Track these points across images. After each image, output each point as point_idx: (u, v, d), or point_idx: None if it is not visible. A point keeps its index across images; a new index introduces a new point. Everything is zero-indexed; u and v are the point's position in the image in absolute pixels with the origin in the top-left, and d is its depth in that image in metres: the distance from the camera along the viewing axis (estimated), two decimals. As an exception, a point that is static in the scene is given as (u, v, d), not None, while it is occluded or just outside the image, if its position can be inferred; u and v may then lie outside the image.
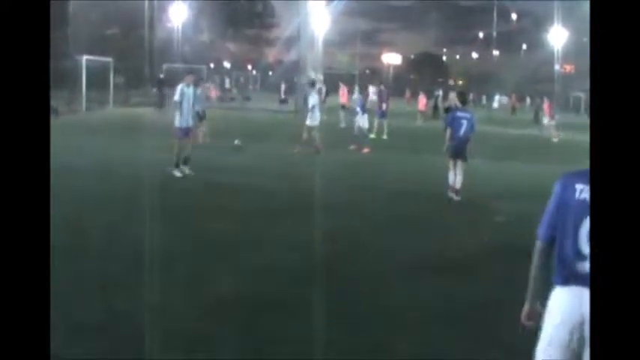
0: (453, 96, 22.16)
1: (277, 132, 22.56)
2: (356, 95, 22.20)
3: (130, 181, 11.28)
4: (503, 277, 6.31)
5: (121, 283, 5.77)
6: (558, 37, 56.74)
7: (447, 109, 23.31)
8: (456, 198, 10.88)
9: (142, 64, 48.79)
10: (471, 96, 50.93)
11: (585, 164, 2.61)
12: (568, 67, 76.98)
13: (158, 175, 11.51)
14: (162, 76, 38.47)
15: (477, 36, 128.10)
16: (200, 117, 15.71)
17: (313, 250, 7.10)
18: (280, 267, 6.60)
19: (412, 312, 5.49)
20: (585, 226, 2.80)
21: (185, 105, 12.34)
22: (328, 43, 50.07)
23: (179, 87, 12.54)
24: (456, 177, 10.97)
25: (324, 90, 29.23)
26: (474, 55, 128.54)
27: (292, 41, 48.78)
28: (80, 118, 27.37)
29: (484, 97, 70.29)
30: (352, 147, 18.18)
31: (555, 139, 25.47)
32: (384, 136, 22.34)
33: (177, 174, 12.06)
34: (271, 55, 79.36)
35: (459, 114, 11.43)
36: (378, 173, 14.44)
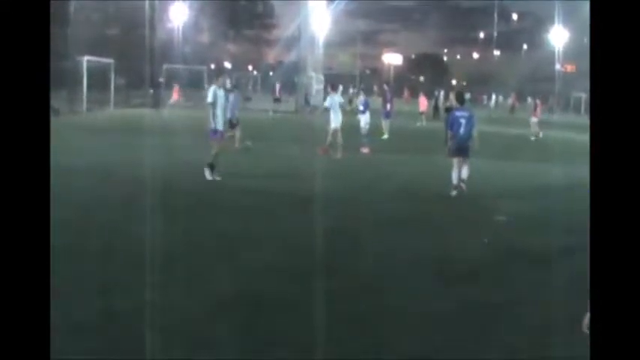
0: (453, 96, 22.12)
1: (276, 132, 22.49)
2: (362, 97, 22.58)
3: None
4: (503, 277, 6.31)
5: (123, 281, 5.79)
6: (559, 37, 56.77)
7: (448, 109, 23.32)
8: (463, 185, 11.23)
9: (143, 64, 48.78)
10: (469, 95, 50.84)
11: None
12: (569, 67, 76.95)
13: (162, 176, 11.45)
14: (161, 80, 38.36)
15: (478, 36, 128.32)
16: (232, 123, 15.76)
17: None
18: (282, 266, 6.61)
19: (412, 312, 5.49)
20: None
21: (218, 107, 11.73)
22: (329, 44, 50.11)
23: (211, 88, 11.94)
24: (460, 172, 11.29)
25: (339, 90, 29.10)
26: (475, 55, 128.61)
27: (293, 42, 48.86)
28: (81, 118, 27.39)
29: (484, 97, 70.27)
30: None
31: (533, 138, 25.80)
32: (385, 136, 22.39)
33: (209, 177, 11.69)
34: (272, 55, 79.42)
35: (458, 113, 11.63)
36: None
